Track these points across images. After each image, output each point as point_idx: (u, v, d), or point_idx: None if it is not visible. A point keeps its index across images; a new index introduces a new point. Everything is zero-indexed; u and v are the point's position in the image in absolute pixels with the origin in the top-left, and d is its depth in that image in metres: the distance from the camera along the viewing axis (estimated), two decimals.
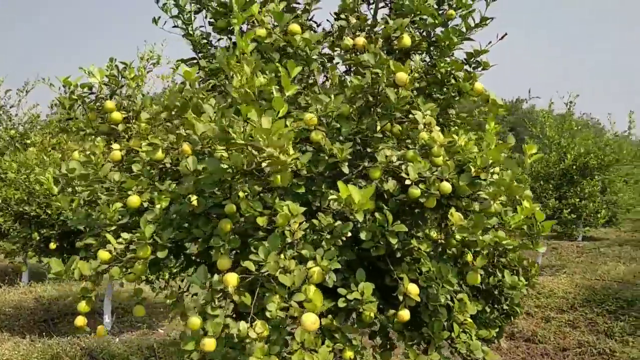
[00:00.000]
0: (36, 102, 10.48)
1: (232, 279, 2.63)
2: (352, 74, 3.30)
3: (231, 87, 2.53)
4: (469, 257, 3.19)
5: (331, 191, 2.81)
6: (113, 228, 3.06)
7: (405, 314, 2.98)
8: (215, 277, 2.65)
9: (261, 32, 3.11)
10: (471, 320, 3.29)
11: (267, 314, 2.55)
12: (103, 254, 2.96)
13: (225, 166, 2.63)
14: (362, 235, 2.96)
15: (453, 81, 3.54)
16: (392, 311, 3.17)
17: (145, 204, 3.11)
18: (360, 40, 3.25)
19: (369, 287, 2.86)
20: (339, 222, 2.91)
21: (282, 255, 2.68)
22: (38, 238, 6.80)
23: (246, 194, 2.88)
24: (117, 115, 3.62)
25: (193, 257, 3.42)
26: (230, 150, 2.67)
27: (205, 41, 3.86)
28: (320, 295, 2.50)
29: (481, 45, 3.58)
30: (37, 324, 8.08)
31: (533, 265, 3.62)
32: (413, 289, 2.95)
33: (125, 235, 2.87)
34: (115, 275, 2.90)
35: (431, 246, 3.04)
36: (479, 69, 3.64)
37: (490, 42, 3.60)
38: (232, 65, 2.47)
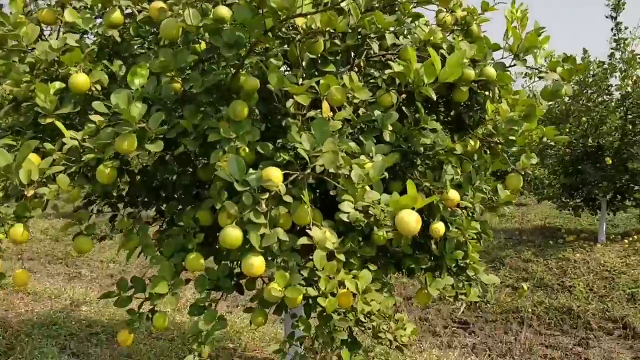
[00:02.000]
0: None
1: (276, 173, 1.86)
2: None
3: None
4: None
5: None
6: (49, 121, 2.03)
7: (441, 227, 2.46)
8: (253, 171, 1.84)
9: None
10: (475, 241, 2.88)
11: (343, 217, 1.84)
12: (35, 158, 1.95)
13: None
14: (386, 137, 2.35)
15: None
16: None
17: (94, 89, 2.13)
18: None
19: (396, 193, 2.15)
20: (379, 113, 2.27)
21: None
22: None
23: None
24: None
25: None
26: None
27: None
28: (414, 186, 1.84)
29: None
30: None
31: None
32: (455, 196, 2.43)
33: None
34: (63, 187, 1.91)
35: (466, 147, 2.53)
36: None
37: None
38: None
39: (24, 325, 5.18)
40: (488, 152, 2.72)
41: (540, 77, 2.40)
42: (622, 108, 8.66)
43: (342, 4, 2.21)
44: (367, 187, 1.98)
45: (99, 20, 2.41)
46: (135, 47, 2.39)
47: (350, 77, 1.99)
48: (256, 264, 1.82)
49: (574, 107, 8.74)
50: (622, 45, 8.62)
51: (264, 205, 1.80)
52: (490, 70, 2.43)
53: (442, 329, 6.47)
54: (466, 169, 2.69)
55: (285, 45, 2.24)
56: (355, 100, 2.05)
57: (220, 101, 2.17)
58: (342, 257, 1.97)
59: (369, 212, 1.87)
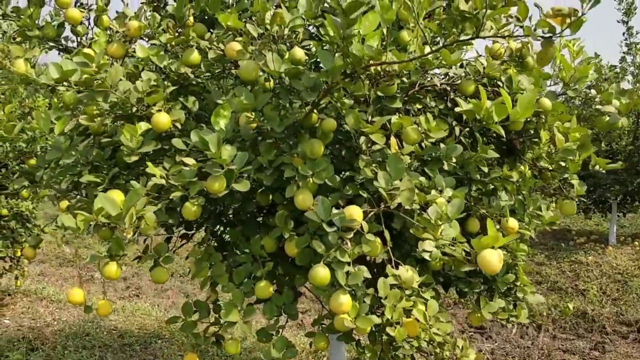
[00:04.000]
0: None
1: (358, 212, 1.94)
2: None
3: None
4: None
5: None
6: (134, 159, 2.10)
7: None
8: (337, 211, 1.92)
9: None
10: (523, 263, 2.97)
11: (425, 255, 1.92)
12: (118, 196, 2.01)
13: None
14: (446, 166, 2.43)
15: None
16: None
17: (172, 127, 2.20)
18: None
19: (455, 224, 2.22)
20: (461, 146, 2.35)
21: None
22: None
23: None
24: (75, 13, 2.58)
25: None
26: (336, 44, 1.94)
27: None
28: (493, 225, 1.92)
29: None
30: None
31: None
32: (515, 224, 2.52)
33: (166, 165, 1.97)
34: (150, 224, 1.99)
35: (520, 174, 2.62)
36: None
37: None
38: None
39: (58, 337, 5.26)
40: (538, 176, 2.80)
41: (596, 110, 2.49)
42: (634, 112, 8.77)
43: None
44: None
45: None
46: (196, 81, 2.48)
47: (426, 118, 2.08)
48: (345, 302, 1.91)
49: (586, 111, 8.83)
50: (633, 49, 8.72)
51: (349, 244, 1.88)
52: (546, 102, 2.52)
53: (459, 334, 6.57)
54: (512, 191, 2.78)
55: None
56: (431, 140, 2.13)
57: (292, 137, 2.25)
58: (428, 295, 2.06)
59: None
